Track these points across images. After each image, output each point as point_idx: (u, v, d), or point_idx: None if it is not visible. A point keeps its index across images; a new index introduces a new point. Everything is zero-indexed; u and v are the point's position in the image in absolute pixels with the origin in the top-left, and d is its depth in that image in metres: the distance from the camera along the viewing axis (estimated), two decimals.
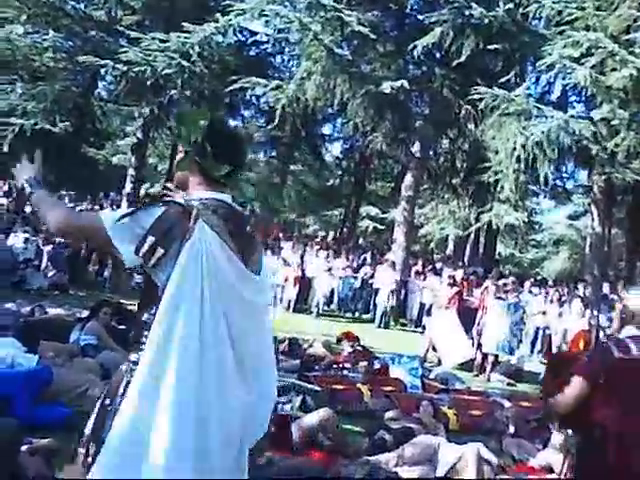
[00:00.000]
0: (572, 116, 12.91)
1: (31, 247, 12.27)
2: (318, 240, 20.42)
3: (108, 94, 17.76)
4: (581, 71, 11.97)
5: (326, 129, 24.77)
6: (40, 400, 4.71)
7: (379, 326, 14.42)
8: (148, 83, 14.32)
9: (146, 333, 2.02)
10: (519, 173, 13.02)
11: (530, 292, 16.22)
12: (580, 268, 26.85)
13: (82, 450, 2.15)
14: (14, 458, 3.54)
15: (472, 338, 11.08)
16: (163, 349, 1.94)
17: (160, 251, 2.00)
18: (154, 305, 2.02)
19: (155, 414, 1.90)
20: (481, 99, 13.27)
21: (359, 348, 8.93)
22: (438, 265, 19.24)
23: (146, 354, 1.98)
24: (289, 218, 32.17)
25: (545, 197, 22.52)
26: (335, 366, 7.88)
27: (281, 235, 20.67)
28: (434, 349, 10.98)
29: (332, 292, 15.59)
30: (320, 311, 14.87)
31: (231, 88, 14.72)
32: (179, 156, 2.28)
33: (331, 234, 27.79)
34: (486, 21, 13.57)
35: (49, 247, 12.56)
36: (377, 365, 8.07)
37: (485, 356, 10.65)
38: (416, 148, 16.70)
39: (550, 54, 12.59)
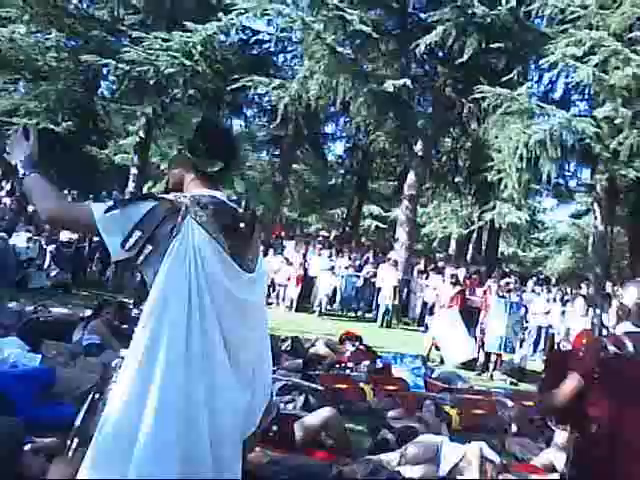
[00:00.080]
0: (575, 115, 12.94)
1: (34, 246, 12.27)
2: (320, 239, 20.40)
3: (111, 93, 17.75)
4: (584, 69, 11.97)
5: (329, 128, 24.81)
6: (43, 399, 4.71)
7: (381, 325, 14.41)
8: (151, 82, 14.33)
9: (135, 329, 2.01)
10: (522, 172, 13.02)
11: (533, 291, 16.22)
12: (583, 267, 26.82)
13: (69, 443, 2.16)
14: (17, 458, 3.54)
15: (475, 337, 11.08)
16: (150, 346, 1.93)
17: (148, 247, 1.99)
18: (145, 301, 2.02)
19: (142, 413, 1.89)
20: (484, 98, 13.28)
21: (362, 347, 8.92)
22: (440, 264, 19.23)
23: (133, 351, 1.97)
24: (291, 217, 32.19)
25: (548, 196, 22.47)
26: (338, 365, 7.87)
27: (283, 234, 20.71)
28: (437, 348, 10.99)
29: (335, 291, 15.58)
30: (323, 310, 14.86)
31: (233, 87, 14.75)
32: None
33: (333, 233, 27.77)
34: (489, 20, 13.58)
35: (52, 246, 12.57)
36: (380, 364, 8.05)
37: (488, 355, 10.65)
38: (419, 147, 16.69)
39: (553, 52, 12.60)
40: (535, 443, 5.78)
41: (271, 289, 15.01)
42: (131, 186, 15.60)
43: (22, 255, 11.96)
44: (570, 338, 11.47)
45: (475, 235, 22.33)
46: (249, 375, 2.14)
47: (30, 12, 14.46)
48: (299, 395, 5.63)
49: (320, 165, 25.34)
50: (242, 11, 14.36)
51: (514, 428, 6.21)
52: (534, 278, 19.30)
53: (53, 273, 12.12)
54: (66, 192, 18.34)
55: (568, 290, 17.94)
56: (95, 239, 11.32)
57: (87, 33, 14.82)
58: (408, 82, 14.21)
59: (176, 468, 1.90)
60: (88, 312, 7.30)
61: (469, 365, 10.57)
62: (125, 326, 6.95)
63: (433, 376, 8.37)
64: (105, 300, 7.42)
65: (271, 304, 14.60)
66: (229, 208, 2.18)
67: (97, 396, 2.12)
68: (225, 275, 2.06)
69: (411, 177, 16.83)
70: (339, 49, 14.32)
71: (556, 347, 4.55)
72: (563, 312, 13.68)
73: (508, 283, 12.19)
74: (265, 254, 14.58)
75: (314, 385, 6.34)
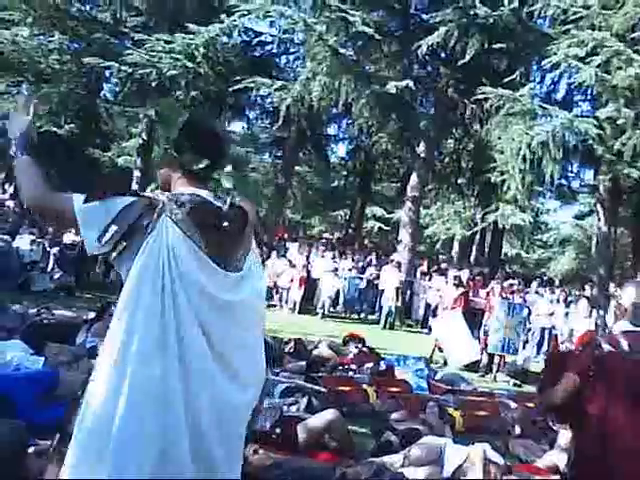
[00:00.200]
0: (577, 115, 12.92)
1: (37, 249, 12.28)
2: (323, 241, 20.39)
3: (113, 96, 17.81)
4: (586, 70, 11.96)
5: (331, 129, 24.76)
6: (46, 402, 4.71)
7: (384, 327, 14.40)
8: (153, 84, 14.36)
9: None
10: (525, 173, 13.00)
11: (536, 292, 16.19)
12: (586, 268, 26.77)
13: (54, 443, 2.16)
14: (21, 460, 3.55)
15: (478, 339, 11.07)
16: (125, 341, 1.92)
17: (122, 244, 1.98)
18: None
19: (117, 406, 1.88)
20: (486, 99, 13.28)
21: (365, 349, 8.92)
22: (444, 266, 19.22)
23: (108, 347, 1.96)
24: (294, 219, 32.19)
25: (551, 197, 22.46)
26: (341, 367, 7.86)
27: (286, 236, 20.70)
28: (440, 350, 10.97)
29: (338, 293, 15.58)
30: (326, 312, 14.86)
31: (236, 88, 14.77)
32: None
33: (336, 235, 27.78)
34: (491, 20, 13.58)
35: (55, 249, 12.59)
36: (383, 366, 8.04)
37: (491, 357, 10.64)
38: (421, 148, 16.68)
39: (555, 53, 12.59)
40: (539, 445, 5.76)
41: (274, 291, 15.02)
42: (134, 188, 15.60)
43: (25, 258, 11.97)
44: (573, 339, 11.49)
45: (478, 236, 22.29)
46: (239, 374, 2.10)
47: (33, 15, 14.52)
48: (302, 397, 5.62)
49: (323, 167, 25.31)
50: (244, 13, 14.39)
51: (517, 430, 6.19)
52: (537, 279, 19.24)
53: (56, 276, 12.12)
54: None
55: (572, 291, 17.89)
56: None
57: (90, 36, 14.88)
58: (410, 83, 14.21)
59: (153, 456, 1.88)
60: (91, 315, 7.30)
61: (472, 367, 10.55)
62: None
63: (436, 378, 8.36)
64: (108, 303, 7.41)
65: (274, 306, 14.61)
66: (211, 206, 2.14)
67: (79, 394, 2.12)
68: (202, 273, 2.02)
69: (414, 179, 16.82)
70: (341, 50, 14.33)
71: (557, 348, 4.58)
72: (567, 313, 13.66)
73: (512, 284, 12.17)
74: (268, 256, 14.58)
75: (317, 387, 6.34)
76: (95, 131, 20.00)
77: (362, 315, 15.79)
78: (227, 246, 2.13)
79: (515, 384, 9.97)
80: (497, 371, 10.45)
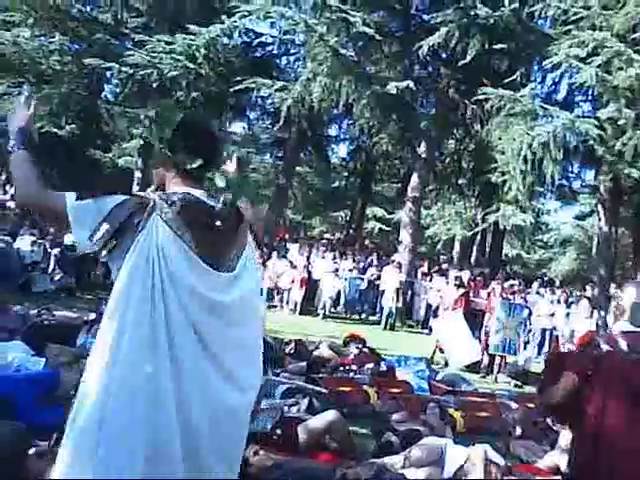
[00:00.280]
0: (578, 116, 12.91)
1: (38, 250, 12.28)
2: (324, 242, 20.39)
3: (114, 97, 17.83)
4: (587, 70, 11.96)
5: (332, 130, 24.76)
6: (47, 403, 4.71)
7: (385, 328, 14.40)
8: (154, 85, 14.37)
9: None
10: (526, 173, 13.00)
11: (537, 293, 16.18)
12: (587, 268, 26.77)
13: (51, 443, 2.17)
14: (22, 461, 3.55)
15: (479, 339, 11.06)
16: (116, 338, 1.92)
17: (112, 242, 1.97)
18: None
19: (107, 403, 1.88)
20: (487, 99, 13.27)
21: (366, 350, 8.90)
22: (444, 266, 19.22)
23: (98, 346, 1.96)
24: (295, 220, 32.19)
25: (551, 197, 22.42)
26: (342, 368, 7.85)
27: (287, 237, 20.69)
28: (441, 351, 10.97)
29: (338, 294, 15.58)
30: (326, 313, 14.86)
31: (236, 89, 14.78)
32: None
33: (337, 235, 27.78)
34: (492, 21, 13.57)
35: (56, 250, 12.58)
36: (384, 367, 8.04)
37: (492, 357, 10.63)
38: (422, 149, 16.69)
39: (556, 54, 12.59)
40: (540, 445, 5.76)
41: (275, 292, 15.03)
42: (135, 189, 15.61)
43: (26, 259, 11.97)
44: (574, 340, 11.47)
45: (479, 237, 22.28)
46: (235, 375, 2.09)
47: (34, 16, 14.54)
48: (303, 398, 5.62)
49: (323, 167, 25.31)
50: (245, 14, 14.40)
51: (518, 430, 6.19)
52: (538, 280, 19.22)
53: (57, 277, 12.12)
54: None
55: (573, 292, 17.89)
56: None
57: (90, 36, 14.90)
58: (411, 84, 14.21)
59: (145, 455, 1.88)
60: (92, 316, 7.29)
61: (473, 367, 10.54)
62: None
63: (437, 379, 8.35)
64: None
65: (275, 307, 14.62)
66: (203, 205, 2.14)
67: (72, 394, 2.12)
68: (192, 273, 2.02)
69: (415, 179, 16.82)
70: (342, 51, 14.32)
71: (558, 349, 4.59)
72: (567, 314, 13.64)
73: (512, 285, 12.17)
74: (269, 257, 14.57)
75: (318, 388, 6.34)
76: (96, 132, 19.98)
77: (363, 316, 15.78)
78: (220, 245, 2.12)
79: (516, 385, 9.96)
80: (498, 372, 10.44)
